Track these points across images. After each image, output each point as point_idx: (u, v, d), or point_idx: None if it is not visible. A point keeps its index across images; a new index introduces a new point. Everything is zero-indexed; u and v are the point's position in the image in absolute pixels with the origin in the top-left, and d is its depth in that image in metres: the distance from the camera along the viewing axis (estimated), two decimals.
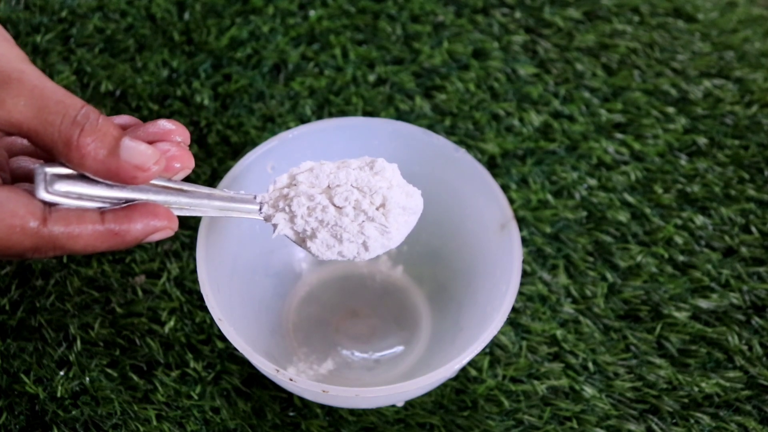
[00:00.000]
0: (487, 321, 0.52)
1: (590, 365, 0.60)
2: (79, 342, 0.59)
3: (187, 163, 0.46)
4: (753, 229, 0.66)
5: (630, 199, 0.67)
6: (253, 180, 0.56)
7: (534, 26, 0.76)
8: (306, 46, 0.74)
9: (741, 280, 0.64)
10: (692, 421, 0.58)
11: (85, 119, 0.42)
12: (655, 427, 0.58)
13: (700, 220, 0.66)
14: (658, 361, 0.60)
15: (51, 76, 0.70)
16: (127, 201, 0.44)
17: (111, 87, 0.71)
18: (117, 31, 0.74)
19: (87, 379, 0.58)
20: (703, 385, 0.59)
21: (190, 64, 0.72)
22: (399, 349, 0.61)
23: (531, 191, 0.67)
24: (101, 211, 0.44)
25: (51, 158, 0.43)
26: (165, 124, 0.46)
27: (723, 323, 0.62)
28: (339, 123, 0.59)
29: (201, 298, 0.59)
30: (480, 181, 0.57)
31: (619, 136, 0.70)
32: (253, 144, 0.67)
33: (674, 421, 0.58)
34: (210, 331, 0.60)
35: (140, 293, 0.62)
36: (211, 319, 0.57)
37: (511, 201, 0.66)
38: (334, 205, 0.48)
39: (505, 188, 0.66)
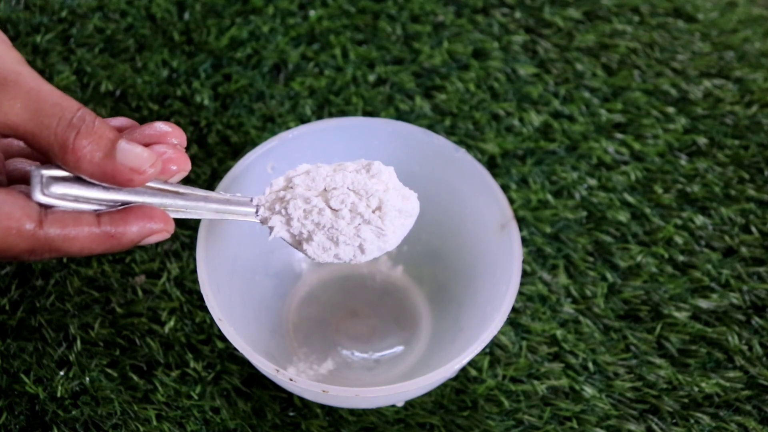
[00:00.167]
0: (487, 321, 0.52)
1: (590, 365, 0.60)
2: (79, 342, 0.59)
3: (183, 165, 0.46)
4: (753, 229, 0.66)
5: (630, 199, 0.67)
6: (253, 180, 0.56)
7: (534, 26, 0.76)
8: (306, 46, 0.74)
9: (741, 280, 0.64)
10: (692, 421, 0.58)
11: (81, 122, 0.42)
12: (655, 427, 0.58)
13: (700, 220, 0.66)
14: (658, 361, 0.60)
15: (51, 76, 0.71)
16: (123, 203, 0.44)
17: (111, 87, 0.71)
18: (117, 31, 0.74)
19: (87, 379, 0.58)
20: (703, 385, 0.59)
21: (190, 64, 0.72)
22: (399, 349, 0.61)
23: (531, 191, 0.67)
24: (97, 214, 0.44)
25: (47, 160, 0.43)
26: (161, 126, 0.46)
27: (723, 323, 0.62)
28: (339, 123, 0.59)
29: (201, 298, 0.59)
30: (480, 181, 0.57)
31: (619, 136, 0.70)
32: (253, 144, 0.67)
33: (674, 421, 0.58)
34: (210, 331, 0.60)
35: (140, 293, 0.62)
36: (211, 319, 0.57)
37: (511, 201, 0.66)
38: (331, 208, 0.48)
39: (505, 188, 0.66)
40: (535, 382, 0.59)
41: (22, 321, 0.60)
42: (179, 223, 0.64)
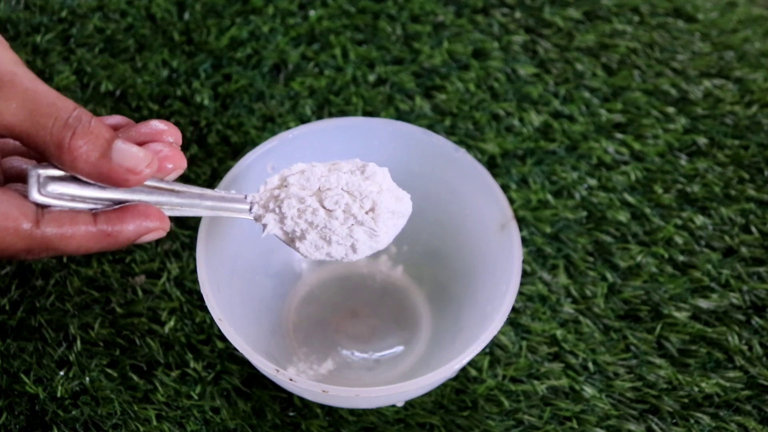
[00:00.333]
0: (487, 321, 0.52)
1: (590, 365, 0.60)
2: (79, 342, 0.59)
3: (179, 163, 0.46)
4: (753, 229, 0.66)
5: (630, 199, 0.67)
6: (253, 180, 0.56)
7: (534, 26, 0.76)
8: (306, 46, 0.74)
9: (741, 280, 0.64)
10: (692, 421, 0.58)
11: (77, 122, 0.42)
12: (655, 427, 0.58)
13: (700, 220, 0.66)
14: (658, 361, 0.60)
15: (51, 76, 0.71)
16: (120, 202, 0.45)
17: (111, 87, 0.71)
18: (117, 31, 0.74)
19: (87, 379, 0.58)
20: (703, 385, 0.59)
21: (190, 64, 0.72)
22: (399, 349, 0.61)
23: (531, 191, 0.67)
24: (94, 213, 0.44)
25: (44, 159, 0.43)
26: (157, 125, 0.46)
27: (723, 323, 0.62)
28: (339, 123, 0.59)
29: (201, 298, 0.59)
30: (480, 181, 0.57)
31: (619, 136, 0.70)
32: (253, 144, 0.67)
33: (674, 421, 0.58)
34: (210, 331, 0.60)
35: (140, 293, 0.62)
36: (211, 319, 0.57)
37: (511, 201, 0.66)
38: (324, 208, 0.48)
39: (505, 188, 0.66)
40: (535, 382, 0.59)
41: (22, 321, 0.60)
42: (179, 222, 0.64)
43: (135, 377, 0.58)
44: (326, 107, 0.71)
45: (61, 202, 0.43)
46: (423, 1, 0.77)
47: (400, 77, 0.73)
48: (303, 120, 0.70)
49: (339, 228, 0.49)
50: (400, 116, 0.70)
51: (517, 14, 0.77)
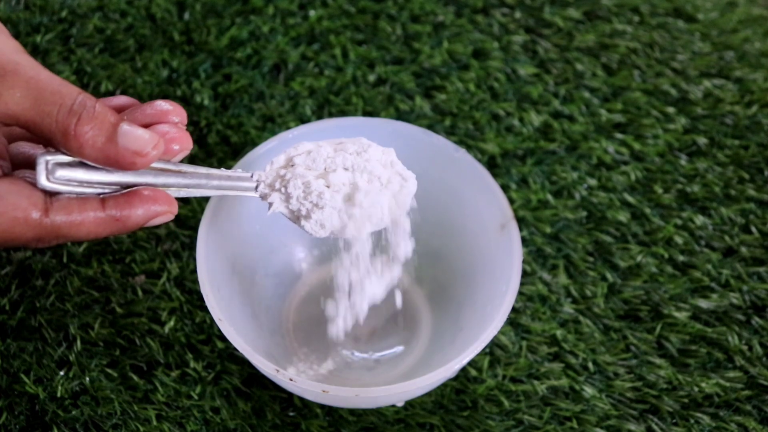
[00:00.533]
0: (487, 321, 0.52)
1: (590, 365, 0.60)
2: (79, 342, 0.59)
3: (185, 144, 0.46)
4: (753, 229, 0.66)
5: (630, 199, 0.67)
6: None
7: (534, 26, 0.76)
8: (306, 46, 0.74)
9: (741, 280, 0.64)
10: (692, 421, 0.58)
11: (82, 107, 0.42)
12: (655, 427, 0.58)
13: (700, 220, 0.66)
14: (658, 361, 0.60)
15: None
16: (128, 185, 0.45)
17: (111, 87, 0.71)
18: (117, 31, 0.74)
19: (87, 379, 0.58)
20: (703, 385, 0.59)
21: (190, 64, 0.72)
22: (399, 349, 0.61)
23: (531, 191, 0.67)
24: (102, 198, 0.44)
25: (50, 146, 0.43)
26: (162, 105, 0.46)
27: (723, 323, 0.62)
28: (339, 123, 0.59)
29: (201, 298, 0.59)
30: (480, 181, 0.57)
31: (619, 136, 0.70)
32: (253, 144, 0.67)
33: (674, 421, 0.58)
34: (210, 331, 0.60)
35: (140, 293, 0.62)
36: (211, 319, 0.57)
37: (511, 201, 0.66)
38: (330, 189, 0.49)
39: (505, 188, 0.66)
40: (535, 382, 0.59)
41: (22, 321, 0.60)
42: (179, 223, 0.64)
43: (135, 377, 0.58)
44: (326, 107, 0.71)
45: (69, 188, 0.43)
46: (423, 1, 0.77)
47: (400, 77, 0.73)
48: (303, 120, 0.70)
49: (344, 208, 0.49)
50: (400, 116, 0.70)
51: (517, 14, 0.77)
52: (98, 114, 0.42)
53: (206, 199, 0.60)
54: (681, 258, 0.65)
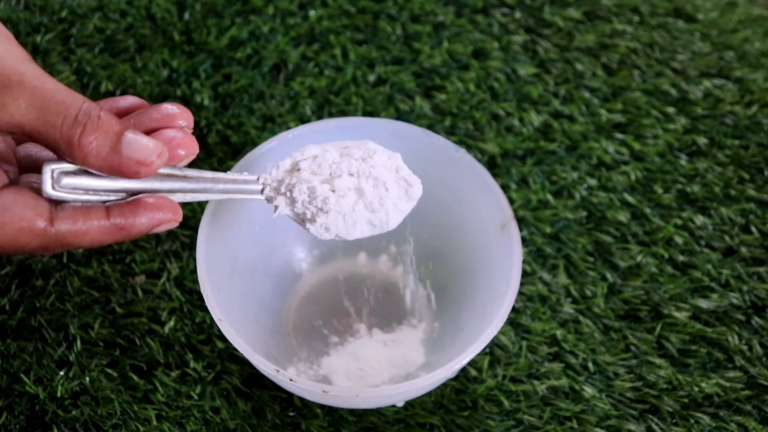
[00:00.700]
0: (487, 321, 0.52)
1: (590, 365, 0.60)
2: (79, 342, 0.59)
3: (191, 149, 0.46)
4: (753, 229, 0.66)
5: (630, 199, 0.67)
6: None
7: (534, 26, 0.76)
8: (306, 46, 0.74)
9: (741, 280, 0.64)
10: (692, 421, 0.58)
11: (86, 117, 0.42)
12: (655, 427, 0.58)
13: (700, 220, 0.66)
14: (658, 361, 0.60)
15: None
16: (133, 191, 0.45)
17: (111, 87, 0.71)
18: (117, 31, 0.74)
19: (87, 379, 0.58)
20: (703, 385, 0.59)
21: (190, 64, 0.72)
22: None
23: (531, 191, 0.67)
24: (106, 206, 0.44)
25: (56, 154, 0.44)
26: (169, 108, 0.47)
27: (723, 323, 0.62)
28: (339, 123, 0.59)
29: (201, 298, 0.59)
30: (480, 181, 0.57)
31: (619, 136, 0.70)
32: (253, 144, 0.67)
33: (674, 421, 0.58)
34: (210, 331, 0.60)
35: (140, 293, 0.62)
36: (211, 319, 0.57)
37: (511, 201, 0.66)
38: (335, 194, 0.49)
39: (505, 188, 0.66)
40: (535, 382, 0.59)
41: (22, 321, 0.60)
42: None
43: (135, 377, 0.58)
44: (326, 107, 0.71)
45: (74, 196, 0.44)
46: (423, 1, 0.77)
47: (400, 77, 0.73)
48: (303, 120, 0.70)
49: (349, 212, 0.50)
50: (400, 116, 0.70)
51: (517, 14, 0.77)
52: (102, 123, 0.43)
53: None
54: (681, 258, 0.65)
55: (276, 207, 0.50)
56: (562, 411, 0.58)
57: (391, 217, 0.50)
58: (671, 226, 0.66)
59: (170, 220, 0.46)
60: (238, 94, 0.71)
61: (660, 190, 0.68)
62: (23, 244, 0.43)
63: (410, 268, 0.63)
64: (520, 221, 0.65)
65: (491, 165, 0.68)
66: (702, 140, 0.70)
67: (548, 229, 0.65)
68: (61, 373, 0.58)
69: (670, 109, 0.72)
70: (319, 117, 0.70)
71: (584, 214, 0.66)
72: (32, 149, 0.47)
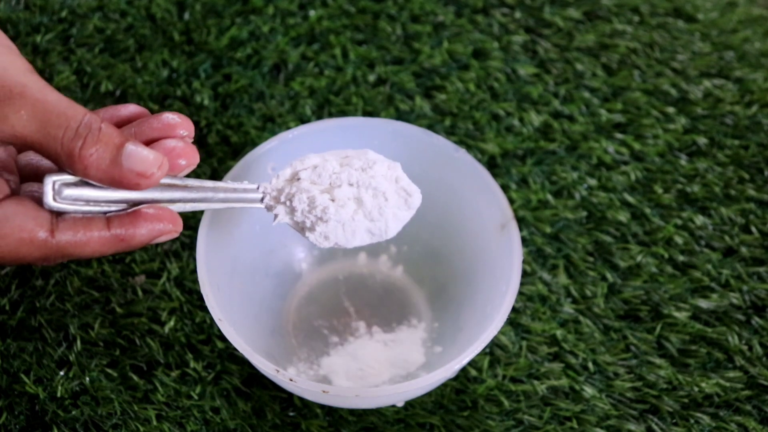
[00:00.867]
0: (487, 321, 0.52)
1: (590, 365, 0.60)
2: (79, 342, 0.59)
3: (192, 159, 0.47)
4: (753, 229, 0.66)
5: (630, 199, 0.67)
6: (252, 181, 0.56)
7: (534, 26, 0.76)
8: (306, 46, 0.74)
9: (741, 280, 0.64)
10: (692, 421, 0.58)
11: (87, 129, 0.43)
12: (655, 427, 0.58)
13: (700, 220, 0.66)
14: (658, 361, 0.60)
15: (51, 76, 0.71)
16: (134, 202, 0.45)
17: (111, 87, 0.71)
18: (117, 31, 0.74)
19: (87, 379, 0.58)
20: (703, 385, 0.59)
21: (190, 64, 0.72)
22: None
23: (531, 191, 0.67)
24: (107, 217, 0.45)
25: (57, 165, 0.44)
26: (170, 118, 0.47)
27: (723, 323, 0.62)
28: (339, 123, 0.59)
29: (201, 298, 0.59)
30: (480, 181, 0.57)
31: (619, 136, 0.70)
32: (253, 144, 0.67)
33: (674, 421, 0.58)
34: (210, 331, 0.60)
35: (140, 293, 0.62)
36: (211, 319, 0.57)
37: (511, 201, 0.66)
38: (334, 203, 0.49)
39: (505, 188, 0.66)
40: (535, 382, 0.59)
41: (22, 321, 0.60)
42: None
43: (135, 377, 0.58)
44: (326, 107, 0.71)
45: (75, 207, 0.44)
46: (423, 1, 0.77)
47: (400, 77, 0.73)
48: (303, 120, 0.70)
49: (348, 221, 0.50)
50: (400, 116, 0.70)
51: (517, 14, 0.77)
52: (103, 136, 0.43)
53: None
54: (681, 258, 0.65)
55: (276, 216, 0.50)
56: (562, 411, 0.58)
57: (390, 226, 0.51)
58: (671, 226, 0.66)
59: (170, 230, 0.46)
60: (238, 94, 0.71)
61: (660, 190, 0.68)
62: (24, 255, 0.43)
63: (410, 268, 0.63)
64: (520, 221, 0.65)
65: (491, 165, 0.68)
66: (702, 140, 0.70)
67: (548, 229, 0.65)
68: (61, 373, 0.58)
69: (670, 109, 0.72)
70: (319, 117, 0.70)
71: (584, 214, 0.66)
72: (34, 158, 0.48)
